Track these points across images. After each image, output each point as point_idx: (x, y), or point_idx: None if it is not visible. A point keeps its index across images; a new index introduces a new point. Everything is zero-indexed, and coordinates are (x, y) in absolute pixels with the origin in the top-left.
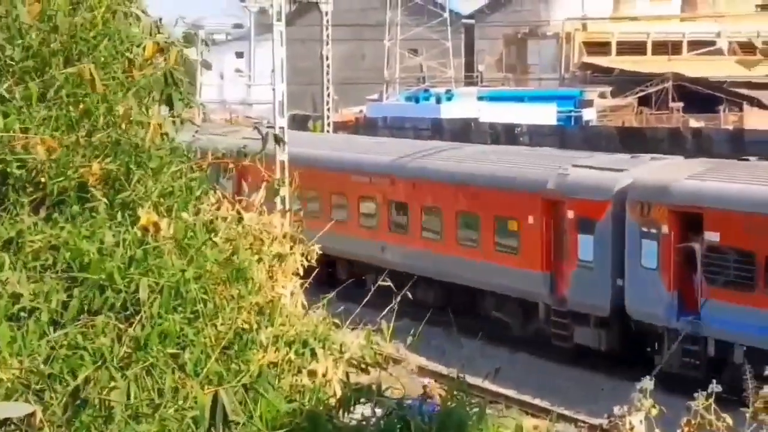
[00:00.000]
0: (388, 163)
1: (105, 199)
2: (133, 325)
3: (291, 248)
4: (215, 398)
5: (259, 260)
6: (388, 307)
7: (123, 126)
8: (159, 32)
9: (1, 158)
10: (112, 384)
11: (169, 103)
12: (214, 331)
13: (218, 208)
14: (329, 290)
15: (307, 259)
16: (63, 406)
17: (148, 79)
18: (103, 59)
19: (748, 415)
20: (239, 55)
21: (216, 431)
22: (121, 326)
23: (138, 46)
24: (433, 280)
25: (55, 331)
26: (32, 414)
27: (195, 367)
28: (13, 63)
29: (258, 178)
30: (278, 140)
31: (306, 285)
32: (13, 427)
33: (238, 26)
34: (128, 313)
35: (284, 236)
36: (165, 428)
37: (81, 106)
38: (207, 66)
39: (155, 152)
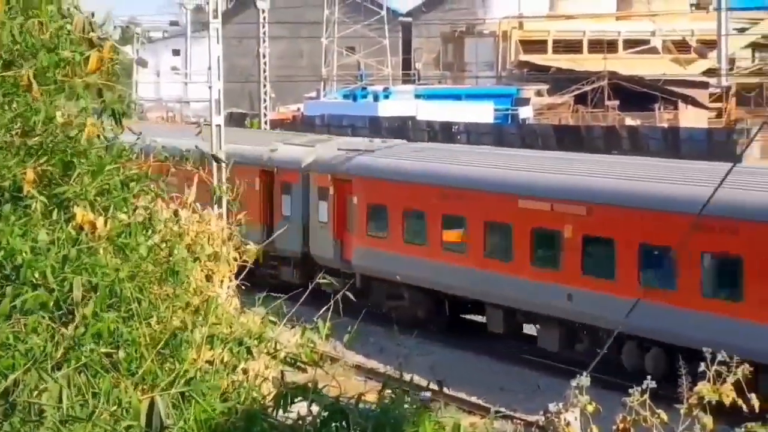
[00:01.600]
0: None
1: (41, 197)
2: (67, 325)
3: (228, 249)
4: (151, 403)
5: (196, 260)
6: (325, 306)
7: (60, 128)
8: (92, 29)
9: None
10: (43, 386)
11: (105, 105)
12: (148, 330)
13: (154, 208)
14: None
15: (243, 259)
16: None
17: (86, 83)
18: (43, 64)
19: (682, 411)
20: (176, 52)
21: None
22: (55, 326)
23: (81, 54)
24: None
25: None
26: None
27: (129, 367)
28: None
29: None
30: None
31: (240, 284)
32: None
33: (174, 24)
34: (62, 312)
35: (223, 237)
36: (98, 430)
37: (15, 107)
38: (143, 64)
39: (91, 152)
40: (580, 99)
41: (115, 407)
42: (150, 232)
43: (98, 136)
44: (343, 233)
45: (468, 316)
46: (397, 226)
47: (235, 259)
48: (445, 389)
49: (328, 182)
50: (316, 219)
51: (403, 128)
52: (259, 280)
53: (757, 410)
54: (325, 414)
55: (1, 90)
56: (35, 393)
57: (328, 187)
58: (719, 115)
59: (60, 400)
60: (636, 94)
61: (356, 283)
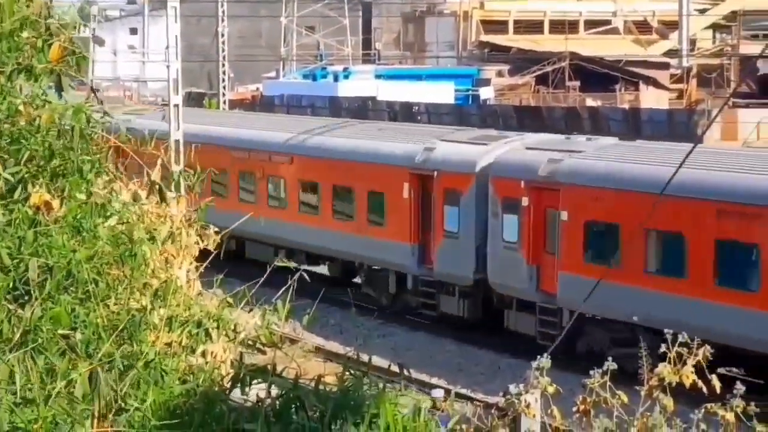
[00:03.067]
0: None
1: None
2: (24, 307)
3: (187, 231)
4: (94, 376)
5: (153, 241)
6: (285, 287)
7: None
8: (49, 14)
9: None
10: None
11: (59, 86)
12: (106, 312)
13: (113, 190)
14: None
15: (203, 242)
16: None
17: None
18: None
19: (642, 392)
20: (133, 31)
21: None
22: (11, 307)
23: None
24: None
25: None
26: None
27: (87, 349)
28: None
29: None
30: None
31: (202, 267)
32: None
33: (131, 2)
34: (18, 293)
35: (182, 220)
36: (53, 413)
37: None
38: (100, 42)
39: (49, 133)
40: (541, 80)
41: (71, 388)
42: (108, 213)
43: (57, 119)
44: (541, 257)
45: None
46: (635, 251)
47: (196, 243)
48: (405, 371)
49: (519, 191)
50: (498, 238)
51: (363, 109)
52: (406, 309)
53: (718, 392)
54: (283, 396)
55: None
56: None
57: (520, 197)
58: (680, 96)
59: (13, 382)
60: (597, 75)
61: (561, 323)
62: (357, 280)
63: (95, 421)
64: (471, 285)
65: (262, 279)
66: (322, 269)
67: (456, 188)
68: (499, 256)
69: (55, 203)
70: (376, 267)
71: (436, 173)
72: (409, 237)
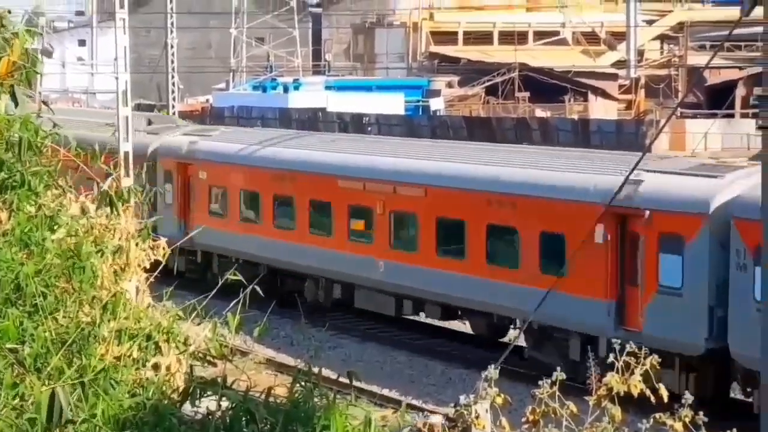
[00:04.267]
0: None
1: None
2: None
3: (136, 244)
4: (53, 395)
5: (102, 254)
6: (235, 300)
7: None
8: (2, 25)
9: None
10: None
11: (14, 98)
12: (55, 325)
13: (61, 203)
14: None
15: (153, 254)
16: None
17: None
18: None
19: (591, 402)
20: (81, 42)
21: (53, 430)
22: None
23: None
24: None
25: None
26: None
27: (35, 363)
28: None
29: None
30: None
31: (151, 278)
32: None
33: (80, 13)
34: None
35: (131, 232)
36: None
37: None
38: (48, 54)
39: None
40: (491, 91)
41: (17, 401)
42: (56, 226)
43: (6, 131)
44: None
45: None
46: None
47: (145, 255)
48: (356, 382)
49: None
50: (746, 297)
51: (314, 120)
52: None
53: (665, 401)
54: (234, 409)
55: None
56: None
57: None
58: (629, 107)
59: None
60: (546, 86)
61: None
62: (506, 339)
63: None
64: (700, 355)
65: (213, 292)
66: (455, 324)
67: (677, 232)
68: (749, 320)
69: (3, 216)
70: (549, 326)
71: (647, 213)
72: (603, 291)
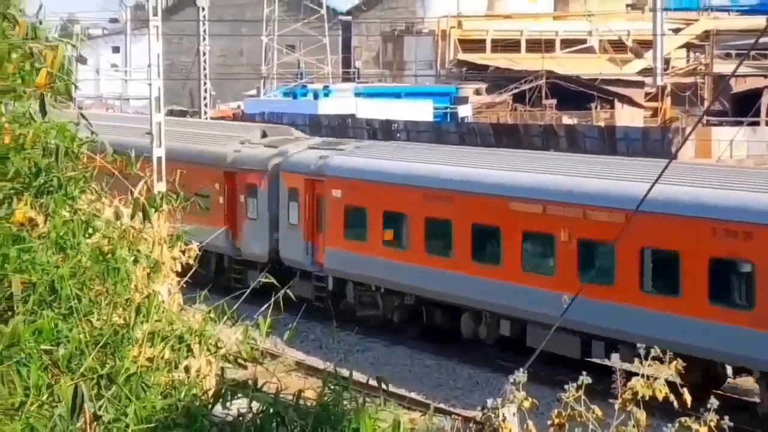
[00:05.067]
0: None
1: None
2: (7, 322)
3: (169, 248)
4: (78, 391)
5: (136, 259)
6: (266, 304)
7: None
8: (36, 35)
9: None
10: None
11: (42, 107)
12: (89, 327)
13: (96, 208)
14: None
15: (186, 258)
16: None
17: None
18: None
19: (617, 406)
20: (116, 50)
21: (75, 423)
22: None
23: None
24: None
25: None
26: None
27: (69, 363)
28: None
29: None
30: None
31: (182, 282)
32: None
33: (114, 21)
34: (1, 308)
35: (164, 237)
36: (31, 426)
37: None
38: (82, 61)
39: (34, 152)
40: (518, 98)
41: (49, 398)
42: (91, 230)
43: (43, 137)
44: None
45: None
46: None
47: (177, 259)
48: (384, 385)
49: None
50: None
51: (343, 126)
52: None
53: (689, 405)
54: (264, 412)
55: None
56: None
57: None
58: (655, 114)
59: None
60: (573, 93)
61: None
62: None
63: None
64: None
65: (245, 295)
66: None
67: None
68: None
69: (39, 219)
70: None
71: None
72: None
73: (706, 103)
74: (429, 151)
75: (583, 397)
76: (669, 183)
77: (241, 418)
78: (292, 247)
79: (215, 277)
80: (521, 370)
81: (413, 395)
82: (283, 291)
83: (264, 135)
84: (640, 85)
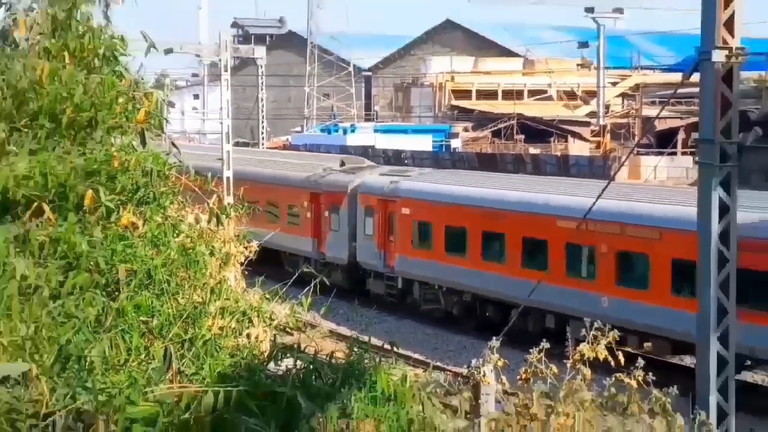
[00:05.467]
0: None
1: (106, 202)
2: (115, 299)
3: (235, 244)
4: (167, 351)
5: (211, 252)
6: (307, 288)
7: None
8: (137, 87)
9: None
10: (90, 345)
11: (143, 139)
12: (175, 304)
13: (181, 215)
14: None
15: (247, 252)
16: (52, 363)
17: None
18: (104, 116)
19: (568, 365)
20: (196, 96)
21: (165, 376)
22: (105, 300)
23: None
24: None
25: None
26: (27, 371)
27: (161, 331)
28: (29, 108)
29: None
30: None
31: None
32: (12, 381)
33: (195, 75)
34: (110, 290)
35: (231, 236)
36: (132, 378)
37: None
38: (171, 105)
39: (134, 173)
40: (496, 134)
41: (146, 357)
42: (177, 231)
43: (142, 162)
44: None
45: None
46: None
47: (241, 253)
48: (396, 348)
49: None
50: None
51: (365, 154)
52: None
53: (622, 364)
54: (305, 367)
55: (78, 134)
56: (86, 349)
57: None
58: (598, 146)
59: (104, 354)
60: (537, 131)
61: None
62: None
63: (169, 383)
64: None
65: (291, 280)
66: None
67: None
68: None
69: (139, 223)
70: None
71: None
72: None
73: (636, 138)
74: (480, 177)
75: (543, 358)
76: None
77: (288, 372)
78: (368, 253)
79: (302, 275)
80: (496, 339)
81: (417, 356)
82: (317, 279)
83: (342, 164)
84: (587, 124)
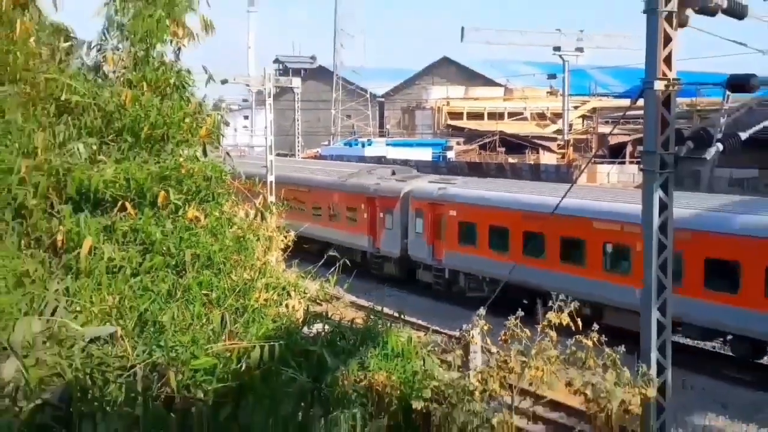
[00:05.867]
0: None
1: (174, 200)
2: (182, 277)
3: (276, 234)
4: (223, 317)
5: (258, 240)
6: (333, 268)
7: (181, 164)
8: (200, 109)
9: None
10: (163, 312)
11: (204, 151)
12: (230, 281)
13: (234, 211)
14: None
15: (286, 240)
16: (133, 326)
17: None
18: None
19: (539, 329)
20: (246, 117)
21: (221, 337)
22: (174, 277)
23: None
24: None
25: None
26: (114, 333)
27: (218, 302)
28: (115, 126)
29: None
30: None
31: (285, 255)
32: (102, 341)
33: (245, 100)
34: (179, 269)
35: (273, 228)
36: (195, 337)
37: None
38: (226, 123)
39: (197, 178)
40: (482, 147)
41: (206, 322)
42: (231, 223)
43: (203, 169)
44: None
45: None
46: None
47: (282, 241)
48: (403, 316)
49: None
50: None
51: (379, 163)
52: None
53: (581, 329)
54: (332, 331)
55: (154, 147)
56: (159, 315)
57: None
58: (563, 157)
59: (173, 319)
60: (515, 144)
61: None
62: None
63: (225, 342)
64: None
65: (320, 262)
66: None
67: None
68: None
69: (201, 217)
70: None
71: None
72: None
73: (593, 151)
74: (517, 184)
75: (519, 324)
76: (738, 212)
77: (319, 334)
78: (418, 248)
79: (359, 265)
80: (482, 308)
81: (419, 322)
82: (341, 261)
83: (393, 173)
84: (554, 139)
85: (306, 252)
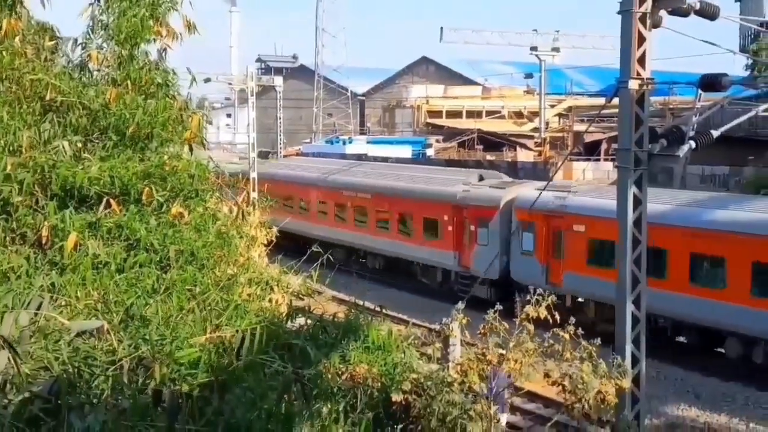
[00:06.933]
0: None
1: (157, 197)
2: (166, 272)
3: (259, 230)
4: (207, 311)
5: (241, 237)
6: (316, 263)
7: (165, 162)
8: (186, 108)
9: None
10: (147, 307)
11: (191, 149)
12: (213, 276)
13: (218, 207)
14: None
15: (269, 236)
16: (119, 321)
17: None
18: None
19: (517, 322)
20: (228, 115)
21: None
22: (159, 273)
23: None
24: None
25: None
26: (100, 327)
27: (202, 296)
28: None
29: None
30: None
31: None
32: (88, 335)
33: (227, 99)
34: (163, 265)
35: (257, 224)
36: (179, 331)
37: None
38: (209, 122)
39: (182, 175)
40: (461, 144)
41: (190, 315)
42: (215, 219)
43: (187, 167)
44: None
45: None
46: None
47: (265, 236)
48: (384, 310)
49: None
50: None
51: (360, 160)
52: None
53: (558, 322)
54: (314, 325)
55: (138, 145)
56: (144, 309)
57: None
58: (540, 154)
59: (158, 314)
60: (493, 142)
61: None
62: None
63: (207, 334)
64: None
65: (303, 258)
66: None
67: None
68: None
69: (185, 214)
70: None
71: None
72: None
73: (569, 148)
74: (676, 195)
75: (497, 317)
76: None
77: (301, 328)
78: (525, 269)
79: (440, 286)
80: (460, 302)
81: (400, 316)
82: (326, 255)
83: (481, 178)
84: (531, 137)
85: (364, 267)
